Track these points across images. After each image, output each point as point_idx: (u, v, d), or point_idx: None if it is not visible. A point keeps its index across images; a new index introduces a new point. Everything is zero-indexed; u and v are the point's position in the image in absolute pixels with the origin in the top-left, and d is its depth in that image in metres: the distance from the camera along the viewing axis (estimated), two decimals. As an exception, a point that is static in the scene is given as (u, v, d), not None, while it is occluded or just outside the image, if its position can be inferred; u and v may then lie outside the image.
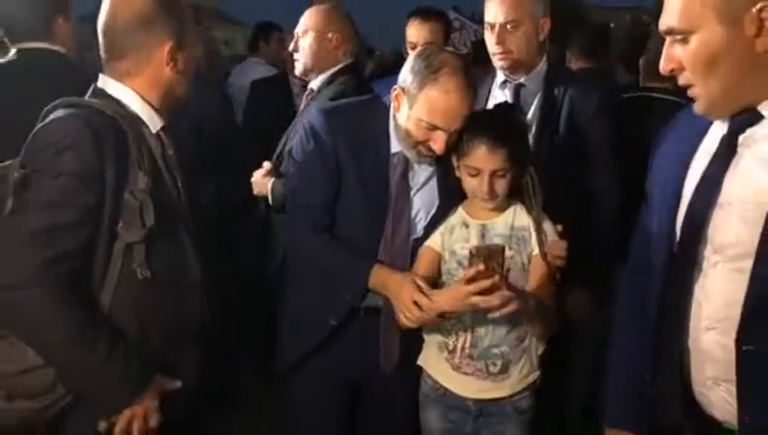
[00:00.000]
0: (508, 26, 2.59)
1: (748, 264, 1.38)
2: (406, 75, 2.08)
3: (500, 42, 2.61)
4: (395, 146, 2.17)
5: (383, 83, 3.35)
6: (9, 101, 2.41)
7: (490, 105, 2.60)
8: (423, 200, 2.20)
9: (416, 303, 1.98)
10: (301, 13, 3.06)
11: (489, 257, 1.88)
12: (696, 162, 1.53)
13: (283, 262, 2.48)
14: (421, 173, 2.20)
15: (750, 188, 1.41)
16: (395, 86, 2.12)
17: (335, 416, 2.33)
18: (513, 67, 2.66)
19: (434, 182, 2.21)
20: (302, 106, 3.04)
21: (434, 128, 2.03)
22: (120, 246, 1.75)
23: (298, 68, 3.00)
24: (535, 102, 2.64)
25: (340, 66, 2.93)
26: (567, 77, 2.76)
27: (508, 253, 2.06)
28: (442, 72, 2.00)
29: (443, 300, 1.96)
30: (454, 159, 2.12)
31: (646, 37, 3.46)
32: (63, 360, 1.73)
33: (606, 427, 1.72)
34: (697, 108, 1.49)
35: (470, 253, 1.92)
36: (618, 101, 2.98)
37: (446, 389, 2.15)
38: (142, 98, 1.87)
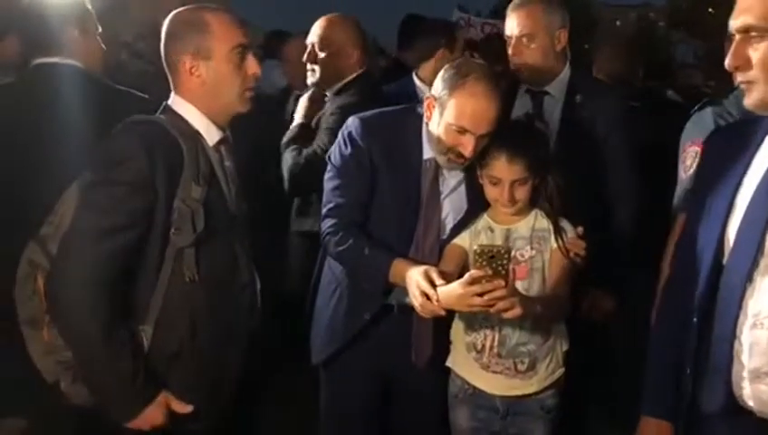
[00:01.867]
0: (524, 39, 2.69)
1: None
2: (437, 85, 2.18)
3: (516, 54, 2.73)
4: (427, 152, 2.27)
5: (396, 86, 3.48)
6: (14, 118, 2.38)
7: (515, 111, 2.69)
8: (452, 205, 2.30)
9: (425, 294, 2.01)
10: (309, 15, 3.11)
11: (493, 258, 1.94)
12: (752, 172, 1.57)
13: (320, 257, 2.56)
14: (451, 179, 2.30)
15: None
16: (427, 95, 2.23)
17: (367, 410, 2.43)
18: (532, 78, 2.76)
19: (462, 188, 2.30)
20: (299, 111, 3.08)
21: (463, 131, 2.11)
22: (171, 251, 1.87)
23: (312, 78, 3.02)
24: (558, 109, 2.73)
25: (353, 75, 2.99)
26: (590, 84, 2.85)
27: (529, 252, 2.16)
28: (469, 78, 2.11)
29: (445, 298, 1.98)
30: (477, 168, 2.21)
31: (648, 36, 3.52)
32: (81, 357, 1.85)
33: (643, 416, 1.78)
34: (751, 102, 1.51)
35: (475, 252, 1.99)
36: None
37: (474, 388, 2.23)
38: (200, 111, 1.97)
